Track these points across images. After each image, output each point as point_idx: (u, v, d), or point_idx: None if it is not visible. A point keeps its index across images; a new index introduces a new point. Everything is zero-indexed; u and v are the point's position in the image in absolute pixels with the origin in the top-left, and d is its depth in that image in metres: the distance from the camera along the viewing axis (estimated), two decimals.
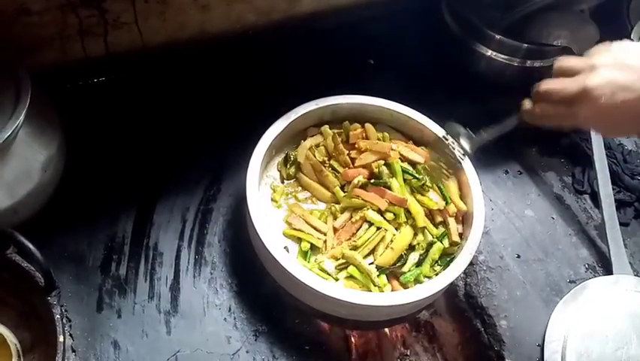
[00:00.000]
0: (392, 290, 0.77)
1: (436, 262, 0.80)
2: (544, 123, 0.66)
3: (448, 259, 0.80)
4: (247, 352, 0.77)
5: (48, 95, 0.80)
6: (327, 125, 0.88)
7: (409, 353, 0.93)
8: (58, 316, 0.65)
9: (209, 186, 0.90)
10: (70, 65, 0.91)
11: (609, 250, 0.92)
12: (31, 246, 0.64)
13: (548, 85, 0.64)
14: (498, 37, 1.02)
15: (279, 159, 0.87)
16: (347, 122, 0.89)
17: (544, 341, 0.83)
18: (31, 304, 0.69)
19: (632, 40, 1.16)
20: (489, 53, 1.05)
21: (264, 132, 0.83)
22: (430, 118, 0.90)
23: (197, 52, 1.00)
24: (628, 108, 0.56)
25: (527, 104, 0.70)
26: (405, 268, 0.78)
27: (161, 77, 0.99)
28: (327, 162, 0.86)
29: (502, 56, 1.04)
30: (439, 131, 0.88)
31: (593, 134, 1.00)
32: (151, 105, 0.96)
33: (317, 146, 0.87)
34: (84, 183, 0.85)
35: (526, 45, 1.02)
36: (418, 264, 0.79)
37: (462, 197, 0.85)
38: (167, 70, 0.99)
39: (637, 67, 0.56)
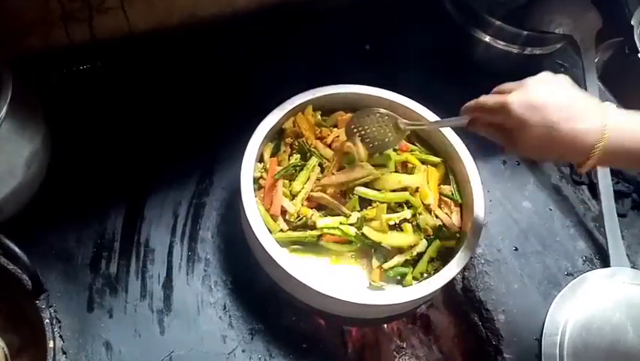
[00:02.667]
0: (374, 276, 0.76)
1: (434, 258, 0.78)
2: (477, 129, 0.70)
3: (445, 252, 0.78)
4: (243, 351, 0.75)
5: (30, 87, 0.75)
6: (310, 106, 0.85)
7: (405, 346, 0.93)
8: (47, 320, 0.63)
9: (202, 179, 0.88)
10: (54, 53, 0.87)
11: (607, 242, 0.91)
12: (17, 249, 0.61)
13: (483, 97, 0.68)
14: (498, 23, 1.00)
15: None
16: (341, 112, 0.86)
17: (542, 334, 0.83)
18: (19, 307, 0.67)
19: (632, 25, 1.14)
20: (488, 39, 1.02)
21: (258, 122, 0.80)
22: (428, 105, 0.88)
23: (187, 37, 0.97)
24: (548, 135, 0.60)
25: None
26: (387, 265, 0.76)
27: (149, 64, 0.95)
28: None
29: (502, 42, 1.02)
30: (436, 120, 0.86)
31: None
32: (139, 94, 0.92)
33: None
34: (71, 178, 0.82)
35: (526, 32, 0.99)
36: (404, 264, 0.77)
37: (460, 190, 0.84)
38: (156, 57, 0.96)
39: (564, 102, 0.61)
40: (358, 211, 0.76)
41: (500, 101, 0.63)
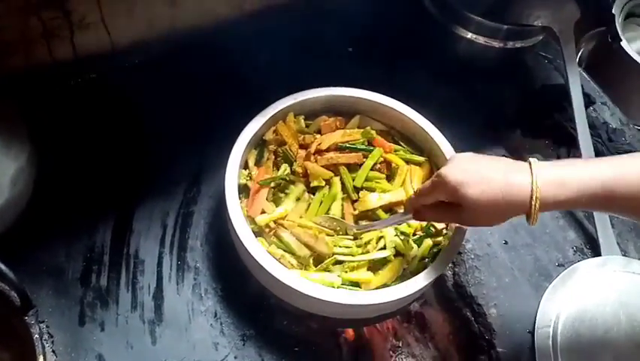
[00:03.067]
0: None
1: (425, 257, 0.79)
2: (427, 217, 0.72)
3: (435, 250, 0.78)
4: (235, 357, 0.76)
5: (14, 104, 0.77)
6: (291, 113, 0.86)
7: (400, 345, 0.93)
8: (37, 335, 0.64)
9: (189, 189, 0.88)
10: (37, 70, 0.88)
11: (596, 231, 0.91)
12: (2, 266, 0.61)
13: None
14: (478, 19, 1.00)
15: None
16: (324, 116, 0.87)
17: (534, 327, 0.83)
18: (8, 323, 0.67)
19: (613, 14, 1.15)
20: (469, 35, 1.03)
21: (242, 129, 0.81)
22: (412, 104, 0.88)
23: (169, 49, 0.97)
24: (488, 202, 0.62)
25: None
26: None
27: (132, 77, 0.95)
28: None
29: (483, 38, 1.03)
30: (419, 120, 0.86)
31: (576, 113, 0.98)
32: (123, 107, 0.93)
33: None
34: (58, 194, 0.82)
35: (506, 26, 1.00)
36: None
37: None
38: (139, 69, 0.96)
39: (474, 168, 0.64)
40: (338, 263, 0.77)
41: (433, 180, 0.66)
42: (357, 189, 0.82)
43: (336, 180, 0.81)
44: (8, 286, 0.64)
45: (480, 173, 0.62)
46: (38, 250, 0.78)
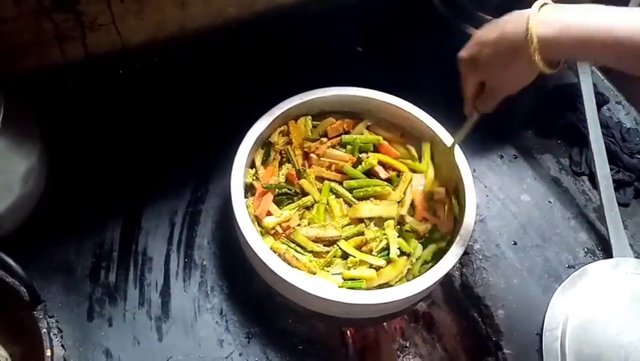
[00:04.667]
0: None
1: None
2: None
3: (440, 254, 0.78)
4: (240, 354, 0.76)
5: (26, 104, 0.78)
6: (307, 117, 0.86)
7: (408, 345, 0.92)
8: (45, 330, 0.65)
9: (197, 188, 0.89)
10: (49, 71, 0.90)
11: (608, 232, 0.90)
12: (11, 261, 0.63)
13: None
14: (488, 17, 0.99)
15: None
16: (331, 119, 0.87)
17: (542, 329, 0.82)
18: (18, 318, 0.69)
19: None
20: None
21: (250, 128, 0.82)
22: (422, 104, 0.88)
23: (179, 50, 0.98)
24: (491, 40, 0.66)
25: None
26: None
27: (142, 77, 0.97)
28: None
29: None
30: (427, 120, 0.86)
31: (587, 112, 0.96)
32: (133, 107, 0.94)
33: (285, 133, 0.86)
34: (68, 191, 0.84)
35: None
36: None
37: (452, 185, 0.84)
38: (149, 70, 0.98)
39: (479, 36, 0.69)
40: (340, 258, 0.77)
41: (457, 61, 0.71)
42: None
43: (327, 187, 0.81)
44: (18, 281, 0.66)
45: (484, 35, 0.67)
46: (49, 247, 0.80)
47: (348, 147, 0.86)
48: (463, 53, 0.70)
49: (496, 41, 0.65)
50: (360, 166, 0.83)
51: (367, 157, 0.84)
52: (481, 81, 0.71)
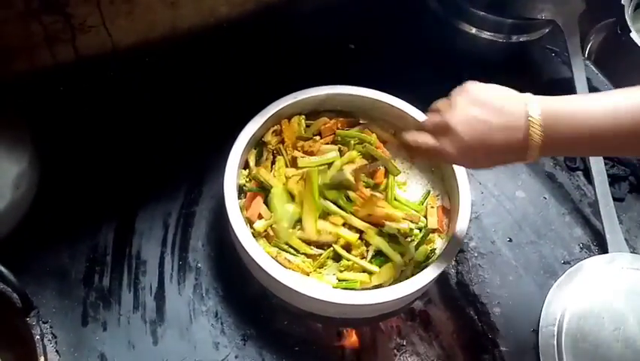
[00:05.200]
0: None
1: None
2: (421, 158, 0.74)
3: (432, 255, 0.78)
4: (236, 357, 0.76)
5: (16, 108, 0.78)
6: (300, 117, 0.86)
7: (405, 344, 0.92)
8: (38, 336, 0.65)
9: (190, 190, 0.89)
10: (39, 74, 0.88)
11: (603, 227, 0.90)
12: (2, 268, 0.62)
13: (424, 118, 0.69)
14: (481, 14, 0.99)
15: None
16: (324, 118, 0.86)
17: (539, 325, 0.82)
18: (11, 325, 0.68)
19: (622, 5, 1.12)
20: (473, 30, 1.02)
21: (243, 128, 0.81)
22: (416, 102, 0.87)
23: (171, 50, 0.97)
24: (484, 139, 0.60)
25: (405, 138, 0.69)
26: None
27: (134, 78, 0.96)
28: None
29: (487, 32, 1.01)
30: (421, 117, 0.86)
31: None
32: (125, 108, 0.94)
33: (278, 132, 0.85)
34: (61, 196, 0.83)
35: (510, 20, 0.98)
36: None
37: (446, 185, 0.83)
38: (140, 71, 0.97)
39: (490, 103, 0.61)
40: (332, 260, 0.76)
41: (447, 101, 0.64)
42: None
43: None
44: (10, 288, 0.65)
45: (475, 141, 0.60)
46: (42, 252, 0.79)
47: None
48: (450, 119, 0.62)
49: (492, 139, 0.60)
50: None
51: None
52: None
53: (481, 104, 0.61)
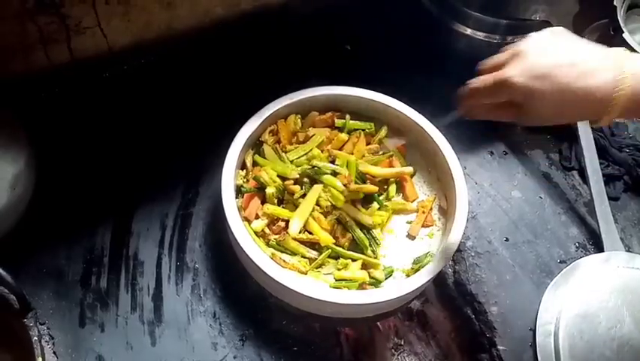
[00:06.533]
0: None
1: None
2: (479, 110, 0.65)
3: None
4: (234, 357, 0.76)
5: (11, 109, 0.77)
6: (295, 115, 0.86)
7: (402, 343, 0.92)
8: (35, 338, 0.64)
9: (188, 190, 0.88)
10: (35, 75, 0.88)
11: (599, 226, 0.90)
12: (0, 270, 0.62)
13: (476, 79, 0.64)
14: (476, 14, 0.99)
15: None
16: (314, 112, 0.87)
17: (536, 324, 0.82)
18: (9, 326, 0.68)
19: (615, 6, 1.13)
20: (468, 31, 1.02)
21: (240, 129, 0.81)
22: (412, 102, 0.88)
23: (166, 51, 0.97)
24: (559, 79, 0.55)
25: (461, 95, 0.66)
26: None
27: (130, 79, 0.96)
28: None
29: (482, 33, 1.01)
30: (417, 118, 0.86)
31: None
32: (121, 109, 0.93)
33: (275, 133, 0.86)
34: (57, 196, 0.83)
35: (504, 21, 0.99)
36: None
37: (443, 185, 0.84)
38: (136, 72, 0.97)
39: (574, 46, 0.57)
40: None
41: (500, 79, 0.58)
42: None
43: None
44: (7, 289, 0.65)
45: (554, 82, 0.55)
46: (39, 253, 0.79)
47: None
48: (517, 79, 0.56)
49: (571, 93, 0.55)
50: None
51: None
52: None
53: (561, 46, 0.57)
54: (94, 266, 0.80)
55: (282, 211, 0.77)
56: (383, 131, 0.87)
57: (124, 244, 0.82)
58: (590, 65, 0.55)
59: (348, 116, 0.87)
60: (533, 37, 0.60)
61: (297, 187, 0.78)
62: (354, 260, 0.76)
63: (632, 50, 1.11)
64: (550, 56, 0.57)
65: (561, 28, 0.60)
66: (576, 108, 0.57)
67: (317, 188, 0.77)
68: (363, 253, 0.76)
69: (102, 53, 0.92)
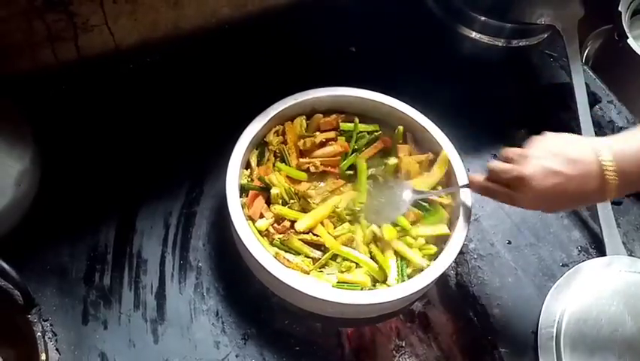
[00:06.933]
0: None
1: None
2: (490, 197, 0.74)
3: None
4: (237, 356, 0.76)
5: (18, 106, 0.78)
6: (302, 117, 0.87)
7: (404, 345, 0.92)
8: (39, 333, 0.64)
9: (192, 189, 0.89)
10: (42, 72, 0.89)
11: (602, 230, 0.90)
12: (5, 265, 0.62)
13: (494, 165, 0.72)
14: (482, 18, 1.00)
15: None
16: (319, 114, 0.87)
17: (538, 327, 0.82)
18: (12, 322, 0.68)
19: (619, 12, 1.13)
20: (473, 34, 1.02)
21: (245, 129, 0.81)
22: (417, 104, 0.88)
23: (173, 50, 0.98)
24: (559, 190, 0.65)
25: (476, 177, 0.75)
26: None
27: (136, 78, 0.96)
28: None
29: (486, 37, 1.02)
30: (421, 120, 0.86)
31: (580, 112, 0.97)
32: (127, 108, 0.94)
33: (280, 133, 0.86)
34: (62, 194, 0.83)
35: (509, 25, 0.99)
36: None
37: (446, 187, 0.84)
38: (142, 71, 0.97)
39: (563, 154, 0.65)
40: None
41: (521, 152, 0.69)
42: None
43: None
44: (12, 285, 0.65)
45: (550, 189, 0.65)
46: (43, 250, 0.79)
47: (340, 138, 0.86)
48: (524, 171, 0.66)
49: (569, 188, 0.65)
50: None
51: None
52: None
53: (554, 155, 0.65)
54: (97, 264, 0.80)
55: (291, 212, 0.77)
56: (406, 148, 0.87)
57: (127, 241, 0.82)
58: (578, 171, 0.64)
59: (356, 120, 0.87)
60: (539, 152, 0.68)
61: (312, 192, 0.79)
62: (358, 265, 0.76)
63: (637, 56, 1.12)
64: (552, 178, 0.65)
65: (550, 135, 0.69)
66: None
67: (335, 199, 0.80)
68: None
69: (109, 51, 0.92)
